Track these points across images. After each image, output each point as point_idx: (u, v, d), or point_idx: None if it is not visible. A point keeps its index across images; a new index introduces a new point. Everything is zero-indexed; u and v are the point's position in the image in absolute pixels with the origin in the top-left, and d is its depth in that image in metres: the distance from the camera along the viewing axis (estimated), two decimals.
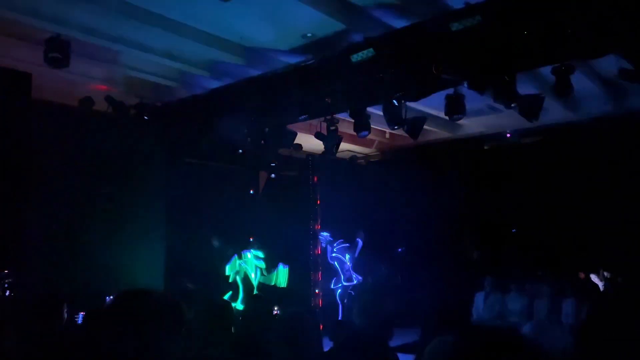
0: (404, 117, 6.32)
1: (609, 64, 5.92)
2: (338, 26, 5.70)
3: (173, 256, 7.89)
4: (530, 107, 5.93)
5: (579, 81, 6.09)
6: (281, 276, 9.42)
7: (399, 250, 11.45)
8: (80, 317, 5.22)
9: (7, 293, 5.52)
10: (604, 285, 8.56)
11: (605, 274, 8.83)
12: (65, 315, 3.14)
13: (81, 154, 6.97)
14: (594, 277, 8.94)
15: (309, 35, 5.98)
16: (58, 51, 5.51)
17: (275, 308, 7.69)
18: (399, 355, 4.09)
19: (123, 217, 7.28)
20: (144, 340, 1.96)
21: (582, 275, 9.16)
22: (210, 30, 5.99)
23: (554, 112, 8.09)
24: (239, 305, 8.28)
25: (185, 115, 7.59)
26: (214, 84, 7.16)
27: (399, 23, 5.64)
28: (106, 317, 2.15)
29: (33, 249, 6.21)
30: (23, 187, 6.15)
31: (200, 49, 6.22)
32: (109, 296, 6.06)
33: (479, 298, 9.81)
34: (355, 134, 6.96)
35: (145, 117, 7.19)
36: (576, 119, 8.54)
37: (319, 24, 5.66)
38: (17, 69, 6.09)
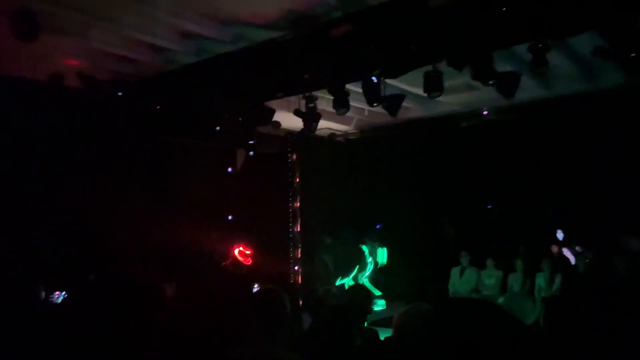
0: (383, 94, 6.30)
1: (584, 43, 5.98)
2: (317, 1, 5.61)
3: None
4: (507, 84, 5.98)
5: (554, 59, 6.14)
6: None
7: (377, 227, 11.59)
8: (57, 296, 5.16)
9: None
10: (576, 260, 8.82)
11: (578, 248, 9.08)
12: (42, 295, 3.11)
13: (52, 131, 6.78)
14: (566, 252, 9.20)
15: (287, 9, 5.87)
16: (26, 24, 5.29)
17: (256, 285, 7.71)
18: (380, 329, 4.17)
19: (97, 195, 7.16)
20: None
21: (555, 249, 9.41)
22: (185, 3, 5.83)
23: (528, 89, 8.17)
24: None
25: (160, 91, 7.43)
26: (190, 60, 7.01)
27: None
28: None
29: (7, 230, 6.07)
30: None
31: (175, 22, 6.06)
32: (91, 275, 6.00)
33: (455, 273, 10.04)
34: (334, 111, 6.92)
35: (119, 93, 7.01)
36: (551, 96, 8.65)
37: None
38: None
